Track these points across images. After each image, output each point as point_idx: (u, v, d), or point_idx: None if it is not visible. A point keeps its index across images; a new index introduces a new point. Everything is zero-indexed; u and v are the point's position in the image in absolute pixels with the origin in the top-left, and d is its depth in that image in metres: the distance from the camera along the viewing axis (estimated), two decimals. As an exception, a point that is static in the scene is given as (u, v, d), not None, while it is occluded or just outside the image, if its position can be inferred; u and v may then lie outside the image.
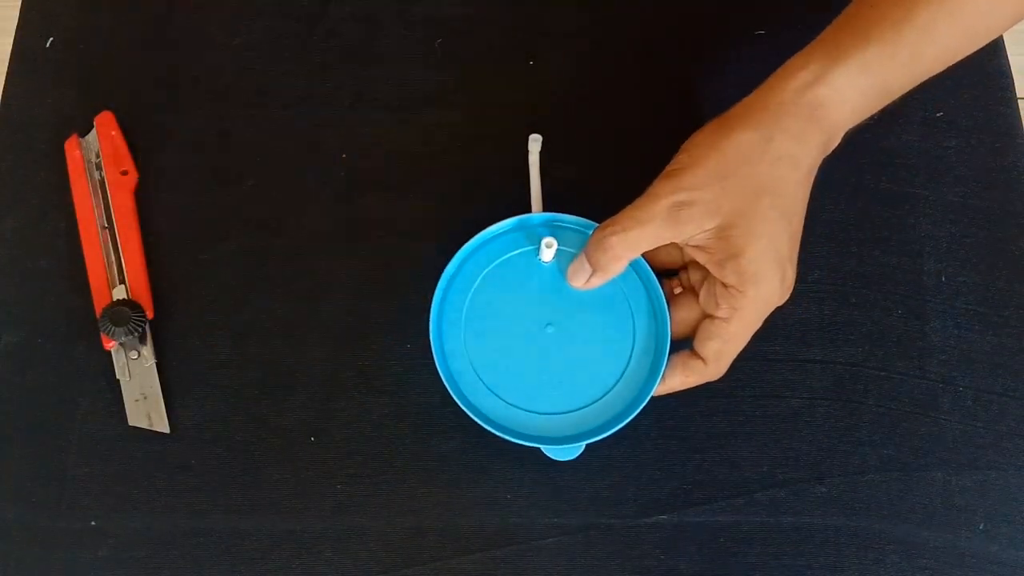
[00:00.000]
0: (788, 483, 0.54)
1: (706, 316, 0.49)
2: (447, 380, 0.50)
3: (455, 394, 0.50)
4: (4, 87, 0.62)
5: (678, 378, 0.50)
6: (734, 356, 0.49)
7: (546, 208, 0.56)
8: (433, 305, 0.51)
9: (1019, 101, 0.64)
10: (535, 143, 0.58)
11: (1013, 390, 0.56)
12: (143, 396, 0.54)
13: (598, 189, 0.55)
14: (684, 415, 0.55)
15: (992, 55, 0.63)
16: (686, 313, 0.51)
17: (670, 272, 0.54)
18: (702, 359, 0.49)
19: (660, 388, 0.51)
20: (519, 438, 0.50)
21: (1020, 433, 0.55)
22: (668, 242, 0.48)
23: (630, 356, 0.52)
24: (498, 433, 0.50)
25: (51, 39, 0.63)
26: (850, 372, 0.56)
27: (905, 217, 0.59)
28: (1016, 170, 0.60)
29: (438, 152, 0.60)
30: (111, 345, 0.55)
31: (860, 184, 0.59)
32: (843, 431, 0.55)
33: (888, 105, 0.49)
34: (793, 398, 0.55)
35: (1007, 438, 0.55)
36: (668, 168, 0.48)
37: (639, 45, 0.63)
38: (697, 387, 0.52)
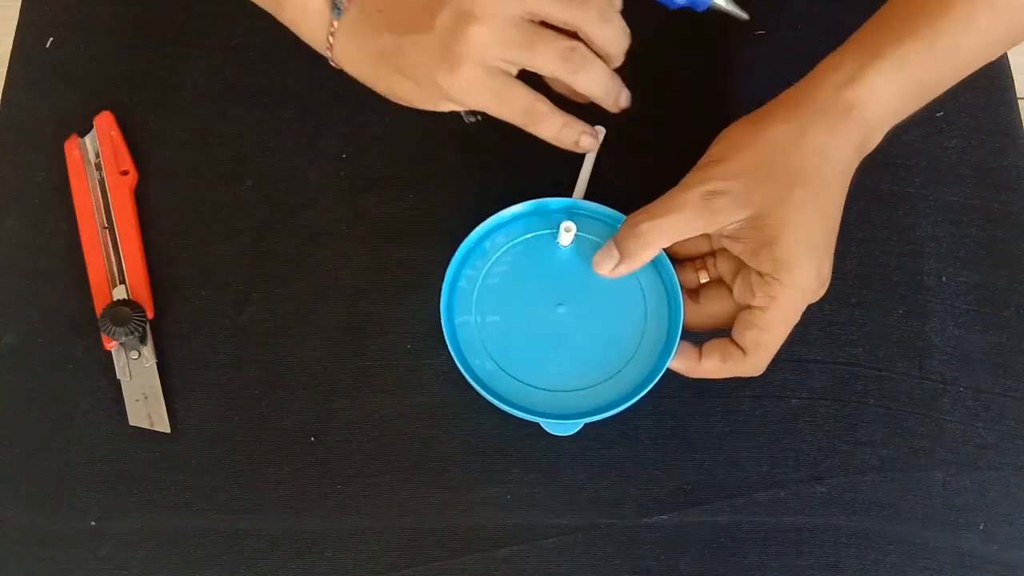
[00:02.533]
0: (788, 483, 0.54)
1: (742, 308, 0.48)
2: (454, 351, 0.50)
3: (461, 364, 0.50)
4: (4, 87, 0.62)
5: (714, 362, 0.49)
6: (774, 350, 0.48)
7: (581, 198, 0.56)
8: (447, 276, 0.51)
9: (1019, 101, 0.64)
10: (598, 134, 0.56)
11: (1013, 390, 0.56)
12: (143, 396, 0.54)
13: (595, 187, 0.55)
14: (684, 415, 0.55)
15: (992, 55, 0.63)
16: (719, 307, 0.50)
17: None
18: (742, 349, 0.48)
19: (698, 371, 0.50)
20: (520, 411, 0.50)
21: (1020, 433, 0.55)
22: (700, 232, 0.47)
23: (640, 339, 0.51)
24: (499, 404, 0.50)
25: (51, 39, 0.63)
26: (850, 372, 0.56)
27: (905, 217, 0.59)
28: (1016, 170, 0.60)
29: (438, 152, 0.60)
30: (111, 345, 0.55)
31: (860, 184, 0.59)
32: (843, 431, 0.55)
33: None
34: (793, 398, 0.55)
35: (1007, 438, 0.55)
36: (701, 161, 0.48)
37: (637, 45, 0.63)
38: (696, 388, 0.52)
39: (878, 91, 0.46)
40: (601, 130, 0.56)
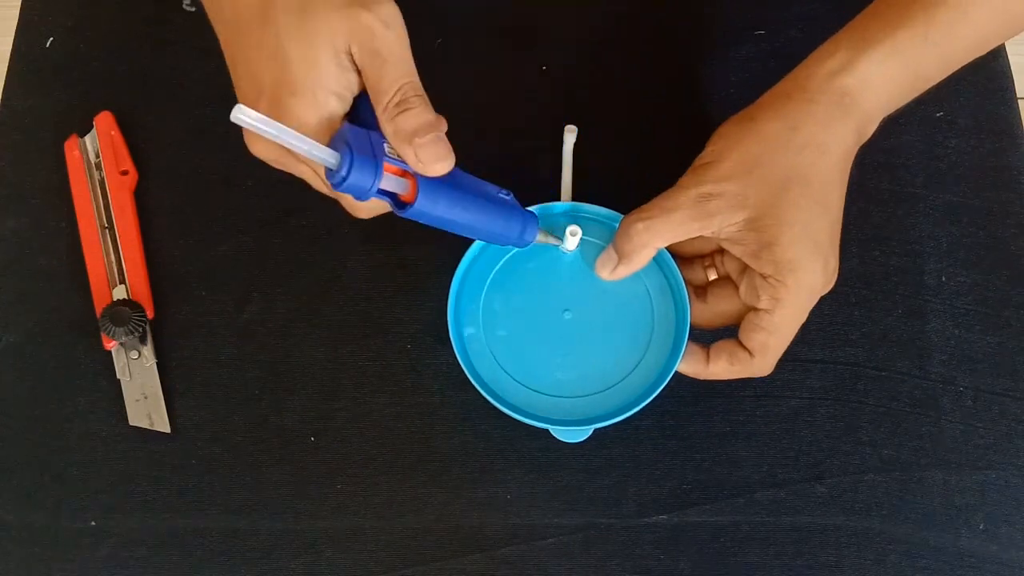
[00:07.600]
0: (788, 483, 0.54)
1: (749, 308, 0.48)
2: (463, 359, 0.50)
3: (470, 373, 0.50)
4: (4, 87, 0.62)
5: (722, 364, 0.49)
6: (782, 349, 0.48)
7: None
8: (452, 287, 0.51)
9: (1019, 101, 0.64)
10: (570, 134, 0.57)
11: (1013, 390, 0.56)
12: (144, 396, 0.54)
13: (596, 188, 0.55)
14: (684, 415, 0.55)
15: (992, 55, 0.63)
16: (726, 305, 0.50)
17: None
18: (748, 351, 0.48)
19: (706, 373, 0.49)
20: (529, 418, 0.49)
21: (1020, 433, 0.55)
22: (696, 234, 0.47)
23: (648, 343, 0.51)
24: (509, 412, 0.49)
25: (51, 39, 0.63)
26: (850, 372, 0.56)
27: (905, 217, 0.59)
28: (1016, 170, 0.60)
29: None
30: (111, 345, 0.55)
31: (860, 184, 0.59)
32: (843, 431, 0.55)
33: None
34: (793, 398, 0.55)
35: (1007, 438, 0.55)
36: (696, 162, 0.48)
37: (638, 45, 0.63)
38: (696, 387, 0.52)
39: (871, 79, 0.46)
40: (573, 128, 0.57)
